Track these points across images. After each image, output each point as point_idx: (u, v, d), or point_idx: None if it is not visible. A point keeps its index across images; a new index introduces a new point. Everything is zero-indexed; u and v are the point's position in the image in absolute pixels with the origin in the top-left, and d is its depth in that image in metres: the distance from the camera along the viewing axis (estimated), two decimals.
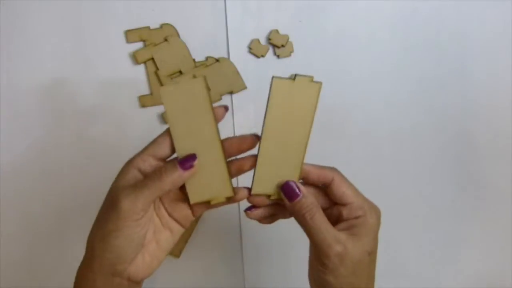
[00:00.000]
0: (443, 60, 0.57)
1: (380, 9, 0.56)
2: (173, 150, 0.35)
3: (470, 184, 0.57)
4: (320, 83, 0.34)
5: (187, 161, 0.34)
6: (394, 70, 0.56)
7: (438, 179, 0.57)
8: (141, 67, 0.54)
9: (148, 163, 0.34)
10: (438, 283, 0.56)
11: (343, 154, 0.55)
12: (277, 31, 0.55)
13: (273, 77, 0.33)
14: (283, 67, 0.55)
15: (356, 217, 0.35)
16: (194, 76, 0.34)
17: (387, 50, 0.56)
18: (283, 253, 0.55)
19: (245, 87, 0.54)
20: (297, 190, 0.35)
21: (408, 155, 0.56)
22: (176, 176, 0.33)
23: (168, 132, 0.34)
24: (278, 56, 0.55)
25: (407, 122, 0.56)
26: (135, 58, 0.53)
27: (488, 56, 0.57)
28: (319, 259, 0.35)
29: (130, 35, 0.53)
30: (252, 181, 0.36)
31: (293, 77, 0.34)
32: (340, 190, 0.35)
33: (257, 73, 0.55)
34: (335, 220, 0.36)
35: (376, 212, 0.36)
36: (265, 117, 0.34)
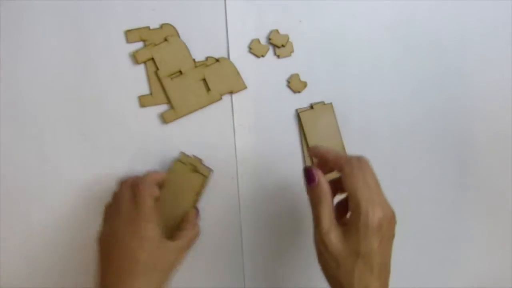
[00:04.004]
0: (443, 60, 0.57)
1: (380, 9, 0.56)
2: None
3: (470, 183, 0.57)
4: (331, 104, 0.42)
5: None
6: (394, 70, 0.56)
7: (438, 178, 0.57)
8: (141, 67, 0.54)
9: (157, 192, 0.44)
10: (438, 283, 0.56)
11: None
12: (277, 31, 0.55)
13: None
14: (283, 67, 0.55)
15: (353, 212, 0.35)
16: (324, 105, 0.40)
17: (387, 50, 0.56)
18: (283, 253, 0.55)
19: (245, 87, 0.54)
20: (315, 177, 0.37)
21: (408, 155, 0.56)
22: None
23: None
24: (278, 56, 0.55)
25: (407, 122, 0.56)
26: (135, 58, 0.53)
27: (488, 56, 0.57)
28: (316, 241, 0.37)
29: (130, 35, 0.53)
30: None
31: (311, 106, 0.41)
32: (346, 181, 0.36)
33: (257, 73, 0.55)
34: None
35: (381, 212, 0.34)
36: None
